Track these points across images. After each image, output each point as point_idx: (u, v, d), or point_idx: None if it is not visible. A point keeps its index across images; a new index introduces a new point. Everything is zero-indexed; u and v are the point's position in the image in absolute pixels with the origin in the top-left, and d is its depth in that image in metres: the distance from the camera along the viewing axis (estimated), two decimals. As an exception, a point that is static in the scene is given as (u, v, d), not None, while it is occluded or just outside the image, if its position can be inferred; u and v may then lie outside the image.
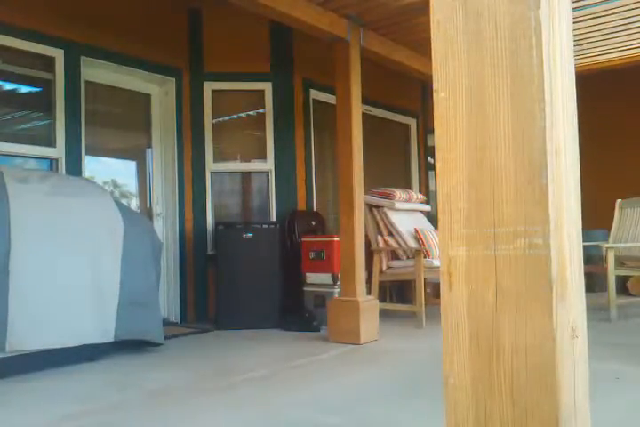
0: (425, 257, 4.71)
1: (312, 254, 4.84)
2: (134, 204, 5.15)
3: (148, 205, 5.17)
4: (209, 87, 5.30)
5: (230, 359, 3.55)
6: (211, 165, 5.29)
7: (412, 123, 7.24)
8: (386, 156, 6.88)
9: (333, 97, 4.37)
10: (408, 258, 5.03)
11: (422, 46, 4.72)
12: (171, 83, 5.15)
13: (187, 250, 5.14)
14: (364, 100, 4.43)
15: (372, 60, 4.75)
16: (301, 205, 5.54)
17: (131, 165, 5.24)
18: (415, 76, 5.37)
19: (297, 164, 5.54)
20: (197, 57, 5.27)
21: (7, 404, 2.65)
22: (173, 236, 5.11)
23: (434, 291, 5.71)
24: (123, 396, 2.75)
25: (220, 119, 5.44)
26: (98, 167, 4.84)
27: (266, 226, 4.85)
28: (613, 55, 5.13)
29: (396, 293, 5.86)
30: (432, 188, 7.41)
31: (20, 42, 4.08)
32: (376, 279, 4.95)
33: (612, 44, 4.88)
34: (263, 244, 4.75)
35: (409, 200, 5.62)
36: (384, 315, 4.51)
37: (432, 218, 5.97)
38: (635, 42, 4.85)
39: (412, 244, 5.03)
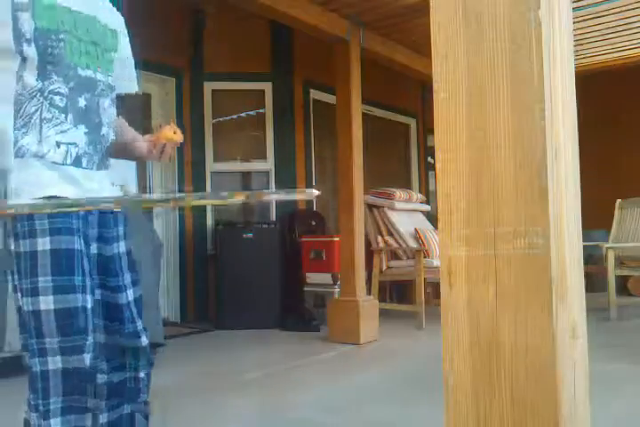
0: (425, 257, 4.71)
1: (312, 254, 4.84)
2: (134, 204, 5.14)
3: (148, 205, 5.17)
4: (209, 87, 5.30)
5: (230, 359, 3.55)
6: (211, 165, 5.29)
7: (412, 123, 7.24)
8: (386, 156, 6.87)
9: (333, 97, 4.37)
10: (408, 258, 5.03)
11: (423, 47, 4.71)
12: (171, 83, 5.14)
13: (187, 250, 5.14)
14: (365, 101, 4.42)
15: (372, 60, 4.75)
16: (301, 205, 5.54)
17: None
18: (415, 76, 5.36)
19: (297, 164, 5.53)
20: (197, 57, 5.26)
21: (7, 404, 2.64)
22: (173, 236, 5.11)
23: (434, 291, 5.71)
24: (123, 396, 2.75)
25: (220, 119, 5.43)
26: (98, 167, 4.82)
27: (266, 226, 4.85)
28: (613, 55, 5.13)
29: (396, 293, 5.86)
30: (432, 188, 7.41)
31: (20, 42, 4.07)
32: (376, 279, 4.94)
33: (612, 44, 4.87)
34: (263, 244, 4.75)
35: (409, 200, 5.62)
36: (384, 315, 4.51)
37: (432, 218, 5.96)
38: (635, 42, 4.84)
39: (412, 244, 5.03)
